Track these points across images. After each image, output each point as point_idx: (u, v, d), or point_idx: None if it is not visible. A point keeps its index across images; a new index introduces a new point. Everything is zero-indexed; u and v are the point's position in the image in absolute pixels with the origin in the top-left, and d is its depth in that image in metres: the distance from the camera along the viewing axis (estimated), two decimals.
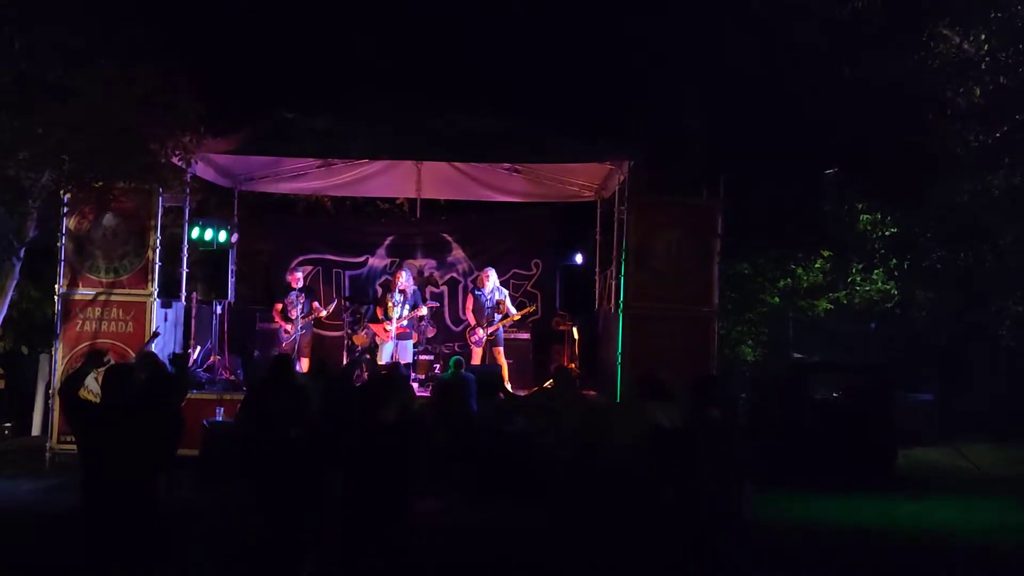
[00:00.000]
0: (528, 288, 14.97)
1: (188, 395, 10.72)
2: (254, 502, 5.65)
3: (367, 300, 13.88)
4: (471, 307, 13.22)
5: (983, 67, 10.83)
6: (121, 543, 5.21)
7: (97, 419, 5.40)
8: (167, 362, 8.71)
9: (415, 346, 13.00)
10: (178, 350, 12.21)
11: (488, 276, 13.11)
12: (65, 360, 11.29)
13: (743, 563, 5.45)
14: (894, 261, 16.41)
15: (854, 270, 16.92)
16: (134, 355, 11.02)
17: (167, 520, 5.48)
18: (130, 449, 5.24)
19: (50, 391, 11.57)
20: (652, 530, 6.21)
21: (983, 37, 10.70)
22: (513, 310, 13.05)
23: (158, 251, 11.56)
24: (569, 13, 17.55)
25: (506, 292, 13.36)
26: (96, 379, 9.49)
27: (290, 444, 5.62)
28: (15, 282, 11.27)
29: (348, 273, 15.02)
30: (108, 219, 11.43)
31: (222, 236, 13.22)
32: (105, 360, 6.23)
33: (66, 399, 5.61)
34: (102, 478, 5.25)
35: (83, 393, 6.04)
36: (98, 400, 5.63)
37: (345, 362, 12.53)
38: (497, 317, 12.89)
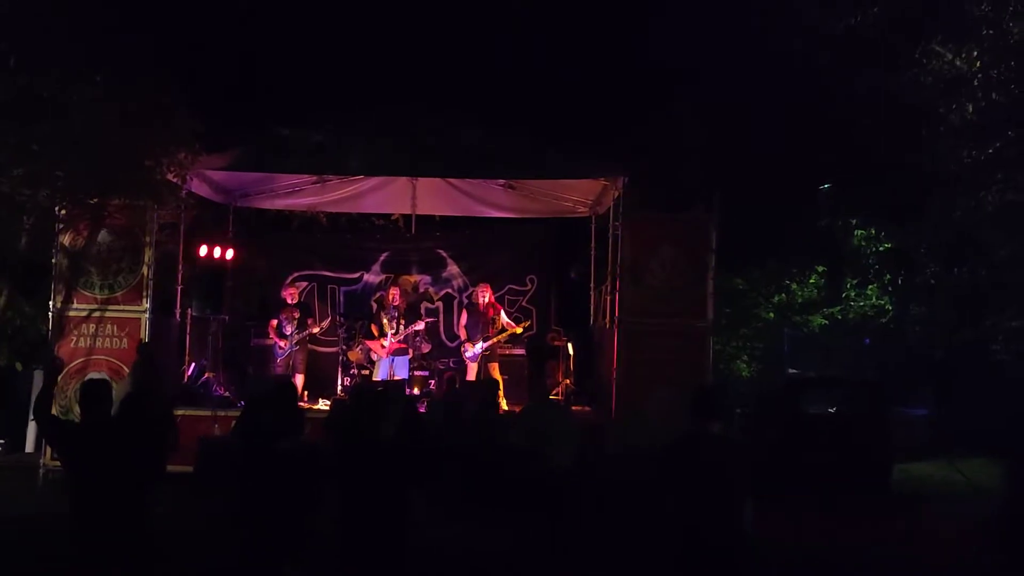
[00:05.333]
0: (523, 304, 14.99)
1: (183, 411, 10.79)
2: (234, 512, 5.61)
3: (362, 316, 13.87)
4: (464, 323, 13.21)
5: (976, 83, 10.86)
6: (111, 560, 5.19)
7: (78, 438, 5.38)
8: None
9: (410, 362, 12.98)
10: (172, 366, 12.23)
11: (483, 291, 13.11)
12: (60, 376, 11.24)
13: None
14: (888, 276, 16.49)
15: (848, 285, 16.98)
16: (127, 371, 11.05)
17: (158, 536, 5.46)
18: (115, 465, 5.22)
19: None
20: (652, 547, 6.19)
21: (975, 54, 10.73)
22: (508, 324, 13.05)
23: (153, 267, 11.55)
24: (565, 29, 17.63)
25: (501, 308, 13.36)
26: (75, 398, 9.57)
27: (277, 457, 5.58)
28: (4, 299, 11.23)
29: (343, 289, 15.02)
30: (103, 235, 11.43)
31: (217, 252, 13.22)
32: (55, 366, 6.26)
33: (41, 420, 5.58)
34: (89, 496, 5.23)
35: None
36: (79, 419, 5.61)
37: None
38: (492, 333, 12.88)
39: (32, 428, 13.65)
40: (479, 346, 12.78)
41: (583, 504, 8.54)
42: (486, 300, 13.01)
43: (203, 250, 12.81)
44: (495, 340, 12.85)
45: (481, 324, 12.90)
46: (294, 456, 5.52)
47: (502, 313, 13.15)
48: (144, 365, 9.14)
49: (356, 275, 15.18)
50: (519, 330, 13.05)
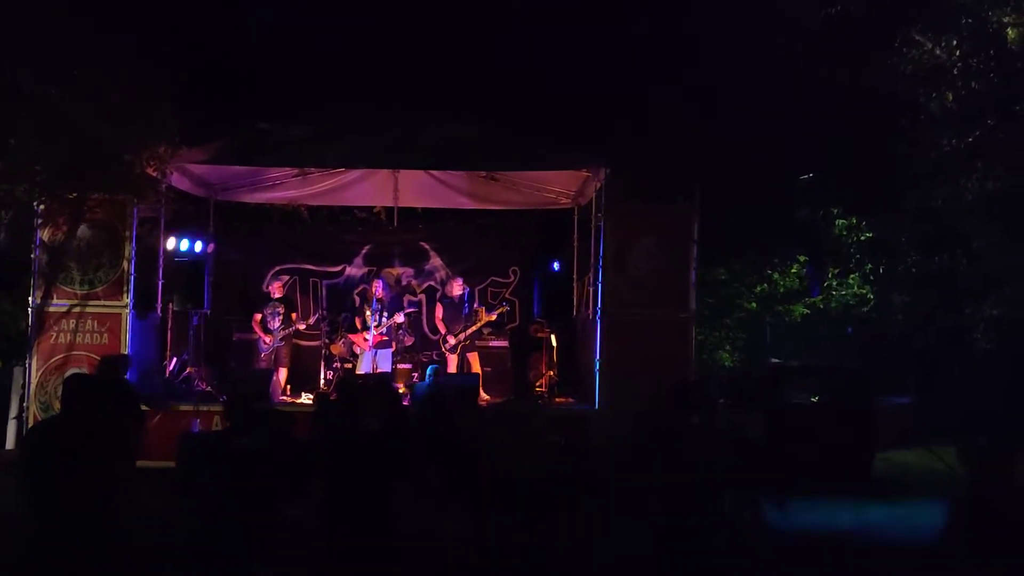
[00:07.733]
0: (506, 295, 15.01)
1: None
2: (204, 508, 5.58)
3: (345, 309, 13.85)
4: (440, 316, 13.31)
5: (955, 72, 10.90)
6: (79, 555, 5.14)
7: (52, 432, 5.36)
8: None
9: (393, 355, 12.98)
10: (154, 361, 12.15)
11: (456, 283, 13.28)
12: (40, 372, 11.20)
13: (728, 570, 5.45)
14: (869, 265, 16.54)
15: (830, 275, 17.04)
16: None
17: (132, 531, 5.43)
18: (87, 458, 5.18)
19: (24, 404, 11.45)
20: (636, 539, 6.20)
21: (955, 42, 10.77)
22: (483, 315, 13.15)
23: (133, 262, 11.48)
24: (546, 22, 17.60)
25: (476, 297, 13.45)
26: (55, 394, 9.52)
27: (242, 452, 5.57)
28: None
29: (325, 283, 14.97)
30: (82, 230, 11.33)
31: (198, 246, 13.17)
32: None
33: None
34: (60, 491, 5.17)
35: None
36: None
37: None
38: (468, 323, 12.95)
39: (12, 425, 13.55)
40: (456, 337, 12.88)
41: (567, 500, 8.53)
42: (460, 293, 13.11)
43: (184, 244, 12.78)
44: (472, 330, 12.92)
45: (458, 316, 13.01)
46: (253, 452, 5.50)
47: (477, 302, 13.25)
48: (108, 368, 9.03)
49: (338, 268, 15.16)
50: (493, 317, 13.12)
